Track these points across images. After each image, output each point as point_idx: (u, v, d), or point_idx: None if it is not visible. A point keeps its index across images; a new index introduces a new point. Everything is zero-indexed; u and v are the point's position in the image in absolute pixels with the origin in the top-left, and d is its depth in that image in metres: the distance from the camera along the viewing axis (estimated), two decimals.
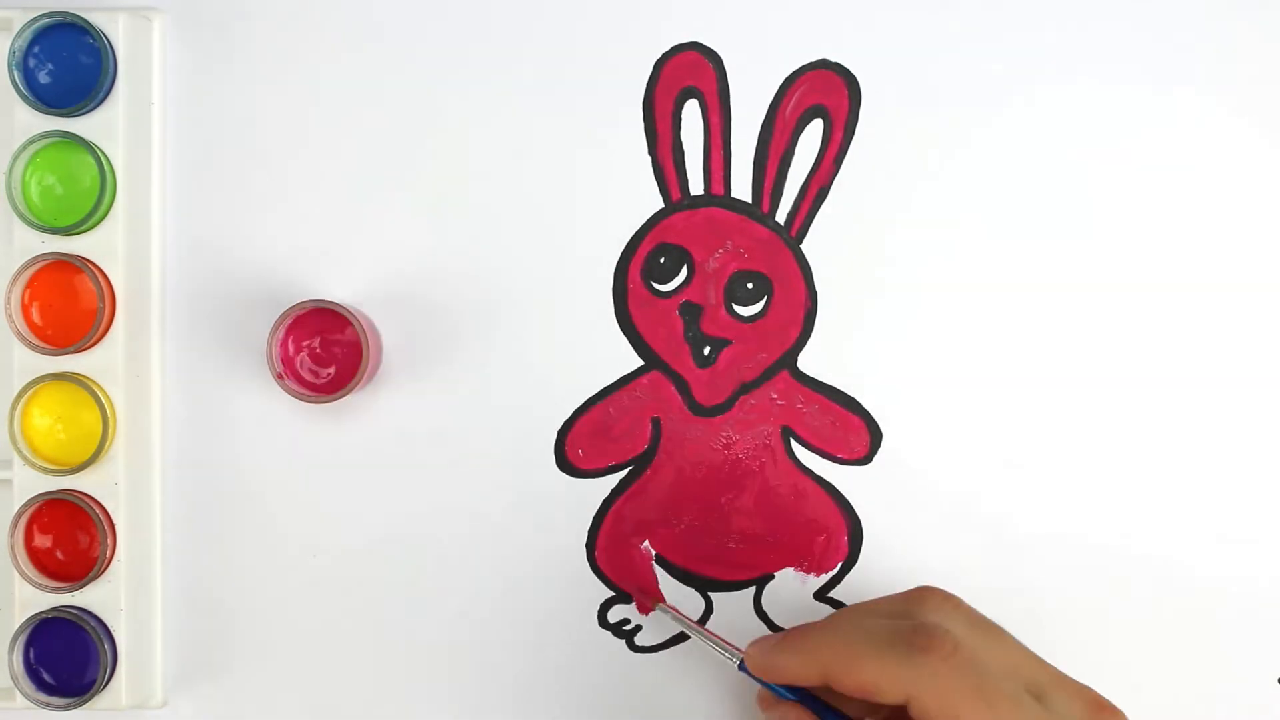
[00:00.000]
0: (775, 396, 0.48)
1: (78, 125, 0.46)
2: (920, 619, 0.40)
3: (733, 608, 0.48)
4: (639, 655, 0.48)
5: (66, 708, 0.46)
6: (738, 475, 0.48)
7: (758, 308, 0.48)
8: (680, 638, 0.48)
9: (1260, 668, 0.48)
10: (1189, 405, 0.48)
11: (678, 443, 0.48)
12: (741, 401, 0.48)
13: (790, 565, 0.48)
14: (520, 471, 0.48)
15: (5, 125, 0.47)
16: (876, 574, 0.48)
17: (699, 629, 0.46)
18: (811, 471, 0.48)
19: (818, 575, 0.48)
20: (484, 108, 0.48)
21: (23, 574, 0.46)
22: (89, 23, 0.46)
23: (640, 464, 0.48)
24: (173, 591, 0.48)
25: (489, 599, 0.48)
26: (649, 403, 0.48)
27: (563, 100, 0.48)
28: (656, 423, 0.48)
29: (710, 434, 0.48)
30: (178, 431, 0.48)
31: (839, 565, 0.48)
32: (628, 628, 0.48)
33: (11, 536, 0.46)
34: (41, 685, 0.46)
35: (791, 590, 0.48)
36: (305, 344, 0.47)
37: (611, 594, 0.48)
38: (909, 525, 0.48)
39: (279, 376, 0.46)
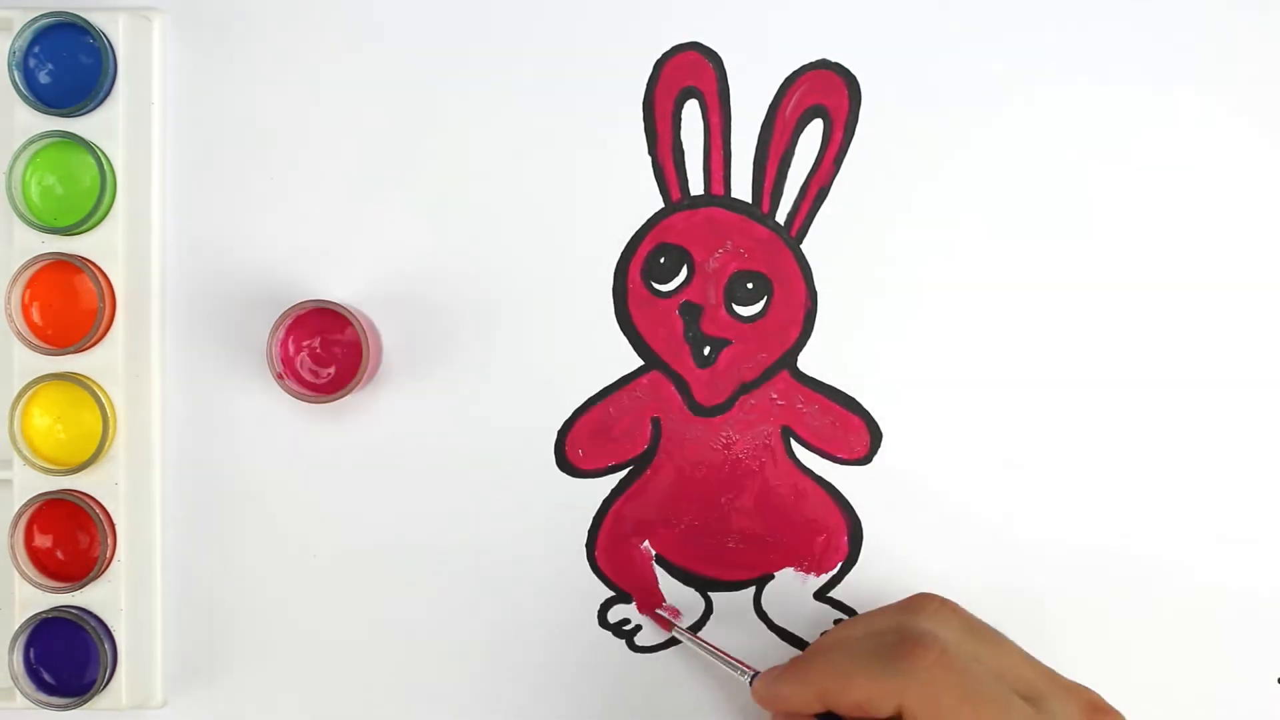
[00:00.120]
0: (775, 396, 0.48)
1: (78, 125, 0.46)
2: (912, 627, 0.40)
3: (733, 608, 0.48)
4: (639, 655, 0.48)
5: (66, 708, 0.46)
6: (738, 475, 0.48)
7: (758, 308, 0.48)
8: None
9: (1260, 668, 0.48)
10: (1189, 406, 0.48)
11: (678, 443, 0.48)
12: (741, 401, 0.48)
13: (790, 565, 0.48)
14: (520, 471, 0.48)
15: (5, 125, 0.47)
16: (876, 574, 0.48)
17: (711, 647, 0.46)
18: (811, 471, 0.48)
19: (818, 575, 0.48)
20: (484, 108, 0.48)
21: (23, 574, 0.46)
22: (89, 23, 0.46)
23: (640, 464, 0.48)
24: (173, 591, 0.48)
25: (489, 599, 0.48)
26: (649, 403, 0.48)
27: (563, 100, 0.48)
28: (656, 423, 0.48)
29: (710, 434, 0.48)
30: (178, 431, 0.48)
31: (839, 565, 0.48)
32: (628, 628, 0.48)
33: (11, 536, 0.46)
34: (41, 685, 0.46)
35: (791, 590, 0.48)
36: (305, 344, 0.47)
37: (611, 594, 0.48)
38: (909, 525, 0.48)
39: (279, 376, 0.46)
